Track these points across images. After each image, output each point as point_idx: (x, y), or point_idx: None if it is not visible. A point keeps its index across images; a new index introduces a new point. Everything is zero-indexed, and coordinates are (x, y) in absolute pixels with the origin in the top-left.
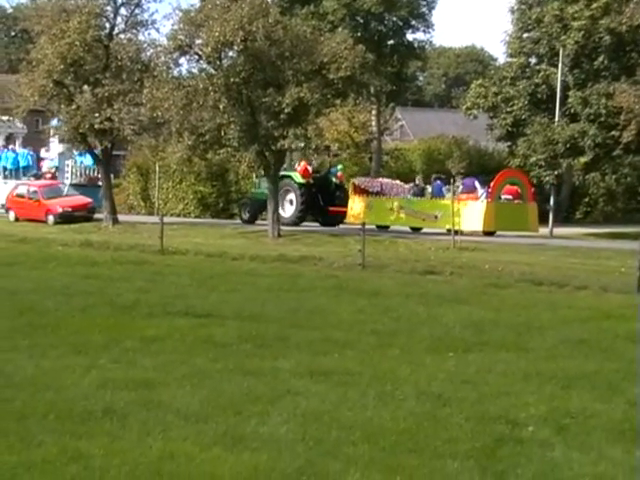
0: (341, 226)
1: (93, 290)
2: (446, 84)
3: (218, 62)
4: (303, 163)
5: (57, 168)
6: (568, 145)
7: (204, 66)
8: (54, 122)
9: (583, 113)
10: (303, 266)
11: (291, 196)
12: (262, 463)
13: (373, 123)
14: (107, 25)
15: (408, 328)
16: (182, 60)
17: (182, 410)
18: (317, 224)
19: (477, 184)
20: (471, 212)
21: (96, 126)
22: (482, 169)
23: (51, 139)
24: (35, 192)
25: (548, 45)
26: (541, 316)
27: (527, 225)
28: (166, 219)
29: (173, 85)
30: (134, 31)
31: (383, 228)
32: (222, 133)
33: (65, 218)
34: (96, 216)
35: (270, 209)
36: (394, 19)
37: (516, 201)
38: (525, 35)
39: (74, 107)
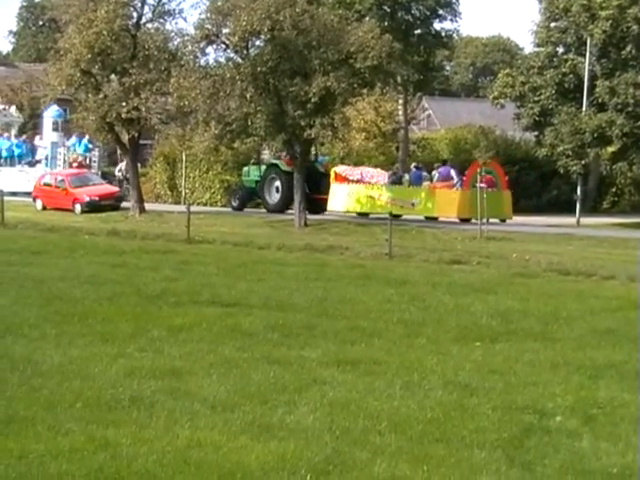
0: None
1: (120, 279)
2: (473, 73)
3: (245, 51)
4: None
5: (85, 157)
6: (595, 135)
7: (231, 55)
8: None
9: (611, 103)
10: (330, 255)
11: (277, 183)
12: (289, 452)
13: (400, 112)
14: (134, 14)
15: (435, 317)
16: (209, 49)
17: (209, 399)
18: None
19: (453, 173)
20: (446, 200)
21: (123, 115)
22: (509, 158)
23: (44, 127)
24: (62, 181)
25: (576, 34)
26: (568, 306)
27: (501, 212)
28: (193, 208)
29: (200, 74)
30: (161, 20)
31: (363, 215)
32: (249, 122)
33: (92, 207)
34: (123, 205)
35: (297, 199)
36: (421, 8)
37: (490, 189)
38: (553, 24)
39: (101, 96)
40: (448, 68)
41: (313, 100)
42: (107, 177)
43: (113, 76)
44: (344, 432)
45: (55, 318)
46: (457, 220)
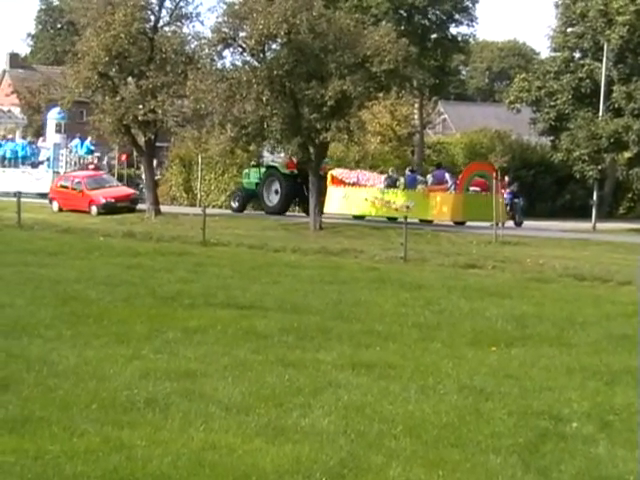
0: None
1: (136, 280)
2: (489, 78)
3: (262, 54)
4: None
5: (99, 158)
6: (612, 140)
7: (248, 58)
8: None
9: (627, 108)
10: (345, 258)
11: (276, 186)
12: (304, 455)
13: (415, 116)
14: (152, 18)
15: (450, 322)
16: (226, 52)
17: (224, 401)
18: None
19: (447, 176)
20: (440, 203)
21: (140, 118)
22: (524, 163)
23: (48, 129)
24: (79, 183)
25: (592, 40)
26: (584, 311)
27: (495, 215)
28: (208, 210)
29: (216, 77)
30: (178, 24)
31: (359, 218)
32: (265, 125)
33: (108, 209)
34: (139, 207)
35: (312, 202)
36: (438, 12)
37: (484, 193)
38: (569, 30)
39: (118, 99)
40: (464, 72)
41: (329, 103)
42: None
43: (130, 79)
44: (359, 435)
45: (71, 319)
46: (453, 223)
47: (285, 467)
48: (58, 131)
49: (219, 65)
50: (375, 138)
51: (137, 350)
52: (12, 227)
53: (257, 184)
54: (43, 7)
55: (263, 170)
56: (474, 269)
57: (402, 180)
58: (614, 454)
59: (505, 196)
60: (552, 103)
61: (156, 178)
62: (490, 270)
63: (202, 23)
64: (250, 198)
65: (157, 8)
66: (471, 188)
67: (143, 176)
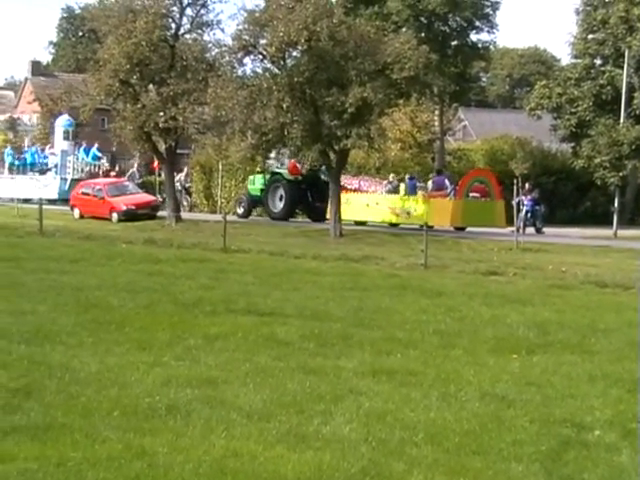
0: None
1: (157, 287)
2: (509, 85)
3: (282, 62)
4: (292, 161)
5: (94, 165)
6: (633, 147)
7: (268, 66)
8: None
9: None
10: (365, 265)
11: (281, 192)
12: (325, 462)
13: (436, 123)
14: (173, 25)
15: (471, 329)
16: (246, 60)
17: (245, 408)
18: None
19: (447, 182)
20: (440, 209)
21: (161, 125)
22: (545, 170)
23: (56, 137)
24: (100, 190)
25: (613, 46)
26: (606, 318)
27: (494, 221)
28: (228, 217)
29: (237, 84)
30: (199, 31)
31: (360, 224)
32: (285, 132)
33: (129, 216)
34: (159, 214)
35: (332, 209)
36: (458, 19)
37: (483, 199)
38: (590, 36)
39: (139, 106)
40: (484, 79)
41: (349, 110)
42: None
43: (151, 86)
44: (380, 443)
45: (92, 326)
46: (453, 229)
47: (307, 474)
48: (66, 138)
49: (240, 72)
50: (395, 145)
51: (158, 357)
52: (34, 234)
53: (262, 190)
54: (65, 15)
55: (268, 176)
56: (495, 276)
57: (403, 186)
58: (637, 462)
59: (526, 203)
60: (573, 110)
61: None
62: (511, 277)
63: (223, 31)
64: (255, 204)
65: (178, 16)
66: (471, 194)
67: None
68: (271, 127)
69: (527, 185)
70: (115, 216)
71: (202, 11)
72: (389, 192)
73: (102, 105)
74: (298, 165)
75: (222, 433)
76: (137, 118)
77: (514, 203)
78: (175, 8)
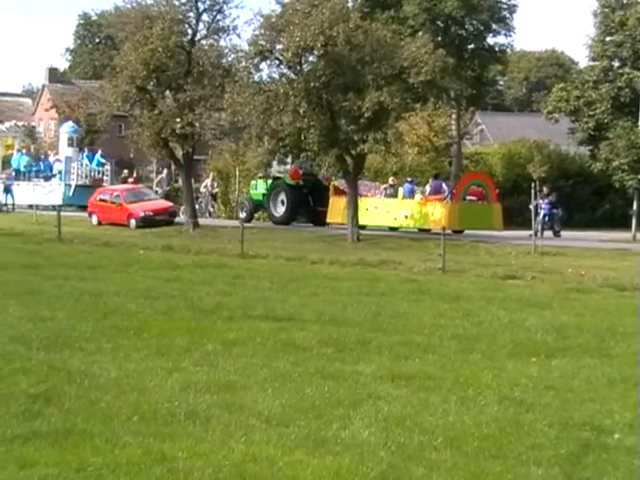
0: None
1: (175, 293)
2: (526, 88)
3: (298, 67)
4: (293, 166)
5: (98, 171)
6: None
7: (284, 71)
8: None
9: None
10: (383, 270)
11: (282, 197)
12: (344, 467)
13: (453, 127)
14: (189, 31)
15: (490, 333)
16: (263, 65)
17: (264, 413)
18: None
19: (444, 186)
20: (436, 212)
21: (178, 131)
22: (563, 173)
23: (60, 143)
24: (117, 196)
25: (632, 48)
26: (625, 321)
27: (491, 224)
28: (245, 223)
29: (254, 90)
30: (216, 37)
31: (360, 228)
32: (302, 137)
33: (147, 222)
34: (177, 220)
35: (350, 214)
36: (475, 23)
37: (480, 202)
38: (608, 38)
39: (156, 112)
40: (501, 83)
41: (366, 115)
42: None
43: (168, 92)
44: (399, 447)
45: (111, 332)
46: (452, 232)
47: (326, 479)
48: (70, 145)
49: (256, 78)
50: (412, 149)
51: (177, 362)
52: (52, 241)
53: (264, 195)
54: (81, 22)
55: (270, 181)
56: (513, 280)
57: (401, 190)
58: None
59: (543, 206)
60: (591, 113)
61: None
62: (529, 281)
63: (239, 36)
64: (257, 209)
65: (194, 22)
66: (467, 197)
67: (202, 189)
68: (288, 132)
69: (545, 189)
70: (133, 222)
71: (218, 17)
72: (388, 196)
73: (119, 112)
74: (299, 171)
75: (241, 438)
76: (154, 124)
77: (532, 207)
78: (191, 14)
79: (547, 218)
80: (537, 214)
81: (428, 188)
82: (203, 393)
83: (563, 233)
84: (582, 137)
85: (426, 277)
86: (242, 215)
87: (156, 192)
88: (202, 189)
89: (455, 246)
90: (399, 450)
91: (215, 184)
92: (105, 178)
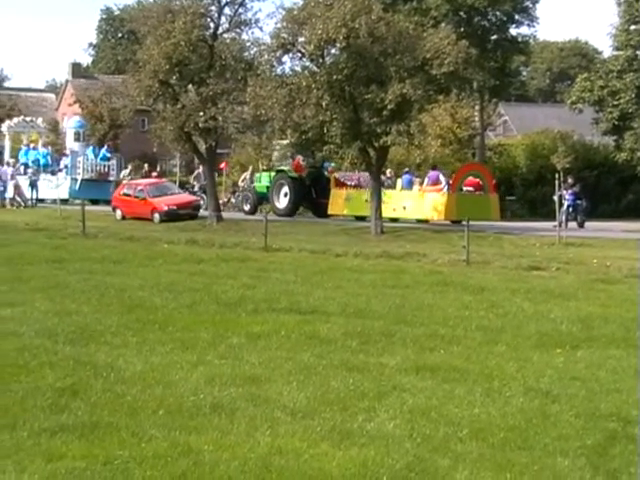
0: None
1: (199, 287)
2: (550, 78)
3: (321, 59)
4: (296, 158)
5: (104, 166)
6: None
7: (307, 64)
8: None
9: None
10: (407, 262)
11: (285, 189)
12: (370, 459)
13: (476, 119)
14: (211, 25)
15: (514, 324)
16: (285, 58)
17: (289, 406)
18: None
19: (441, 177)
20: (434, 202)
21: (200, 125)
22: (588, 163)
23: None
24: (141, 190)
25: None
26: None
27: (489, 214)
28: (269, 216)
29: (276, 83)
30: (238, 30)
31: (360, 219)
32: (325, 130)
33: (170, 216)
34: (200, 214)
35: (373, 206)
36: (498, 14)
37: (477, 192)
38: (632, 27)
39: (179, 106)
40: (524, 73)
41: (389, 107)
42: (185, 187)
43: (190, 86)
44: (425, 439)
45: (136, 326)
46: (450, 222)
47: (352, 471)
48: (77, 139)
49: (279, 71)
50: (436, 141)
51: (202, 356)
52: (77, 236)
53: (268, 187)
54: (104, 17)
55: (273, 174)
56: (538, 271)
57: (399, 181)
58: None
59: (567, 197)
60: (615, 102)
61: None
62: (554, 272)
63: (261, 29)
64: (261, 201)
65: (216, 15)
66: (465, 188)
67: (240, 182)
68: (311, 125)
69: (569, 179)
70: (157, 216)
71: (240, 10)
72: (386, 187)
73: (142, 106)
74: (302, 163)
75: (267, 431)
76: (177, 118)
77: (555, 198)
78: (213, 7)
79: (571, 209)
80: (561, 205)
81: (426, 179)
82: (228, 386)
83: (587, 224)
84: (606, 127)
85: (450, 269)
86: (246, 207)
87: (192, 187)
88: (240, 183)
89: (479, 238)
90: (424, 442)
91: (254, 177)
92: (112, 172)
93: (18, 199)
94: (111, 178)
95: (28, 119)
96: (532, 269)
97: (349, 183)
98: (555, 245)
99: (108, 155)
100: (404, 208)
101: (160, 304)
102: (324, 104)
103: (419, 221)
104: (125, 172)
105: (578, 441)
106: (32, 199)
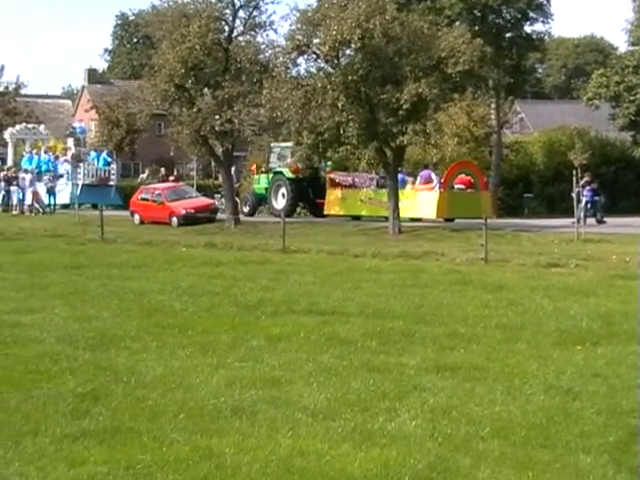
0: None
1: (218, 290)
2: (565, 75)
3: (336, 61)
4: (293, 159)
5: (105, 171)
6: None
7: (322, 65)
8: None
9: None
10: (425, 262)
11: (283, 190)
12: (392, 459)
13: (492, 117)
14: (226, 28)
15: (534, 322)
16: (300, 60)
17: (310, 407)
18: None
19: (433, 175)
20: (426, 201)
21: (217, 128)
22: (605, 159)
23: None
24: (159, 195)
25: None
26: None
27: (480, 212)
28: (287, 219)
29: (292, 85)
30: (252, 33)
31: (356, 218)
32: (341, 131)
33: (188, 220)
34: (218, 217)
35: (391, 206)
36: (512, 11)
37: (469, 190)
38: None
39: (195, 110)
40: (540, 70)
41: (405, 107)
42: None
43: (206, 90)
44: (446, 438)
45: (156, 330)
46: (443, 220)
47: (373, 472)
48: (77, 145)
49: (294, 73)
50: (452, 140)
51: (222, 359)
52: (95, 241)
53: (267, 189)
54: (119, 22)
55: (271, 175)
56: (556, 268)
57: None
58: None
59: (585, 193)
60: (632, 98)
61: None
62: (573, 268)
63: (276, 31)
64: (260, 202)
65: (231, 18)
66: (456, 186)
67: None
68: (327, 126)
69: (586, 177)
70: (175, 220)
71: (255, 13)
72: (381, 187)
73: (158, 110)
74: (299, 164)
75: (288, 433)
76: (193, 122)
77: (574, 194)
78: (228, 11)
79: (590, 205)
80: (579, 201)
81: (418, 178)
82: (249, 389)
83: (606, 219)
84: (623, 123)
85: (469, 267)
86: (245, 209)
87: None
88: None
89: (497, 236)
90: (446, 441)
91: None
92: (112, 177)
93: (36, 206)
94: (112, 183)
95: (30, 126)
96: (551, 266)
97: (344, 183)
98: (574, 242)
99: (109, 160)
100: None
101: (179, 308)
102: (340, 105)
103: (413, 220)
104: (143, 176)
105: (600, 438)
106: (50, 205)
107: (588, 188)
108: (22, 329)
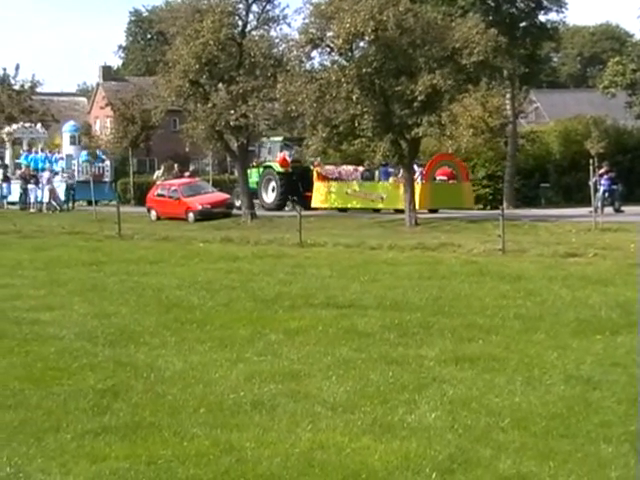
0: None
1: (236, 285)
2: (581, 63)
3: (350, 53)
4: (282, 154)
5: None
6: None
7: (336, 58)
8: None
9: None
10: (442, 253)
11: (273, 184)
12: (412, 451)
13: (507, 107)
14: (239, 23)
15: (553, 312)
16: (314, 53)
17: (329, 400)
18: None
19: (415, 167)
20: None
21: (232, 123)
22: (621, 148)
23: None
24: (175, 190)
25: None
26: None
27: (462, 203)
28: (302, 212)
29: (306, 78)
30: (266, 27)
31: (342, 210)
32: (356, 124)
33: (205, 215)
34: (234, 212)
35: (407, 198)
36: (526, 0)
37: (450, 181)
38: None
39: (210, 105)
40: (555, 59)
41: (419, 98)
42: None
43: (221, 85)
44: (466, 430)
45: (174, 325)
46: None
47: (394, 464)
48: (72, 143)
49: (308, 66)
50: (467, 131)
51: (241, 353)
52: (113, 237)
53: (257, 183)
54: (133, 19)
55: (261, 170)
56: (574, 258)
57: (377, 173)
58: None
59: (603, 182)
60: None
61: None
62: (591, 258)
63: (289, 25)
64: (252, 196)
65: (244, 13)
66: (437, 177)
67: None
68: (341, 119)
69: (603, 166)
70: (191, 216)
71: (268, 7)
72: (365, 179)
73: (173, 106)
74: (288, 158)
75: (308, 426)
76: (208, 117)
77: (591, 183)
78: (241, 5)
79: (607, 194)
80: (596, 191)
81: (401, 170)
82: (268, 383)
83: (624, 208)
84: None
85: (486, 258)
86: (237, 203)
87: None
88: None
89: (514, 226)
90: (466, 432)
91: None
92: (106, 173)
93: (54, 203)
94: (105, 179)
95: (27, 125)
96: (569, 256)
97: (331, 176)
98: (591, 231)
99: (103, 157)
100: (382, 199)
101: (197, 303)
102: (354, 98)
103: (397, 211)
104: (158, 173)
105: (621, 427)
106: (68, 202)
107: (606, 177)
108: (42, 326)
